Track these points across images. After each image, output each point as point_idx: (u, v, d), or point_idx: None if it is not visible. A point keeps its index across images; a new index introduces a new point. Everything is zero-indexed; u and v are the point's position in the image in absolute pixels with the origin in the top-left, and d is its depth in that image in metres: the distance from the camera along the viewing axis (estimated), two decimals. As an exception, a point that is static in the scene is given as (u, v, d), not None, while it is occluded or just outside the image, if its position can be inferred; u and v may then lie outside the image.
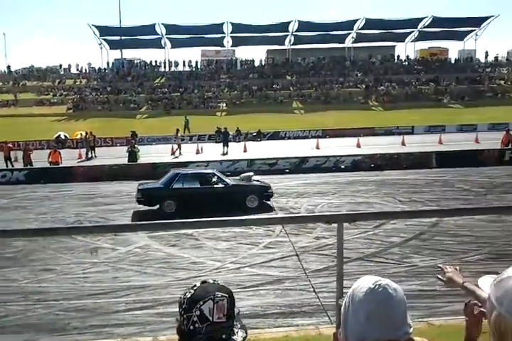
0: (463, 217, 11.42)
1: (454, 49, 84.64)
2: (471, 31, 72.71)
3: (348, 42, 72.53)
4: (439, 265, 2.22)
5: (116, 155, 23.73)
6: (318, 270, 8.71)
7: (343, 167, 21.49)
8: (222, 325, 1.53)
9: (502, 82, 61.62)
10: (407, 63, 69.76)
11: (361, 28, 68.83)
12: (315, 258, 9.39)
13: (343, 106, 52.76)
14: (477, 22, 70.27)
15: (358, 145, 27.89)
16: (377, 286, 1.54)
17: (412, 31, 71.49)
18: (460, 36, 73.44)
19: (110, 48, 72.47)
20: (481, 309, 1.75)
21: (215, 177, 14.57)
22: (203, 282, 1.63)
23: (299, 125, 39.20)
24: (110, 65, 71.74)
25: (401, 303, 1.53)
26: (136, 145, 23.97)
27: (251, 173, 15.78)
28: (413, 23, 69.26)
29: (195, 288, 1.59)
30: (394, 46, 75.61)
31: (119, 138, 34.07)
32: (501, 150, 22.61)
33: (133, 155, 23.08)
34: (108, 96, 58.25)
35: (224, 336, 1.52)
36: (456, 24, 68.96)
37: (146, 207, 14.09)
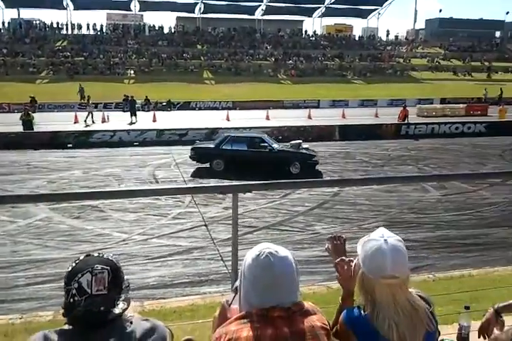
0: (360, 186, 12.17)
1: (358, 26, 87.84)
2: (374, 10, 75.69)
3: (258, 15, 72.45)
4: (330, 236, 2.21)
5: (14, 123, 22.02)
6: (226, 239, 8.85)
7: (256, 138, 21.73)
8: (102, 298, 1.50)
9: (401, 60, 65.07)
10: (314, 38, 71.17)
11: (270, 1, 68.84)
12: (224, 228, 9.53)
13: (253, 79, 52.94)
14: (380, 1, 73.20)
15: (268, 118, 28.27)
16: (261, 254, 1.58)
17: (319, 7, 72.90)
18: (364, 14, 76.23)
19: (6, 7, 66.34)
20: (351, 263, 1.88)
21: (263, 141, 15.27)
22: (87, 255, 1.61)
23: (210, 96, 38.81)
24: (6, 26, 65.67)
25: (287, 272, 1.57)
26: (30, 113, 22.22)
27: (300, 141, 16.15)
28: (320, -2, 70.76)
29: (77, 261, 1.57)
30: (302, 21, 76.90)
31: (17, 104, 31.55)
32: (398, 125, 24.06)
33: (28, 123, 21.40)
34: (4, 59, 53.48)
35: (103, 308, 1.49)
36: (360, 2, 71.53)
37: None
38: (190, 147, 15.87)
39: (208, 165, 15.29)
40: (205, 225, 9.71)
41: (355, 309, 1.70)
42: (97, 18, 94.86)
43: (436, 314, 3.34)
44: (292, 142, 16.01)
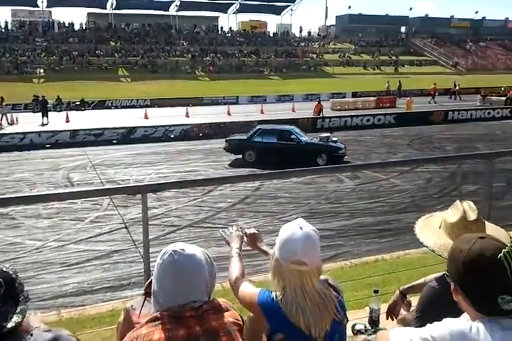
0: (281, 180, 12.44)
1: (272, 23, 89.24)
2: (287, 6, 77.16)
3: (172, 10, 71.36)
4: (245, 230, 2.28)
5: None
6: (148, 240, 8.69)
7: (172, 136, 21.47)
8: None
9: (314, 55, 66.88)
10: (230, 35, 71.33)
11: (185, -4, 68.10)
12: (145, 229, 9.35)
13: (170, 76, 52.11)
14: (292, -3, 74.85)
15: (187, 115, 28.02)
16: (165, 252, 1.58)
17: (234, 3, 73.19)
18: (278, 10, 77.46)
19: None
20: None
21: (291, 134, 16.10)
22: None
23: (126, 94, 37.72)
24: None
25: (193, 270, 1.56)
26: None
27: (328, 134, 16.94)
28: (235, -6, 71.04)
29: None
30: (217, 17, 76.74)
31: None
32: (314, 119, 24.80)
33: None
34: None
35: None
36: (273, -2, 72.69)
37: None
38: (106, 147, 15.37)
39: (240, 156, 16.26)
40: (126, 227, 9.47)
41: (270, 293, 1.73)
42: (0, 15, 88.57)
43: (351, 299, 3.51)
44: (321, 135, 16.73)
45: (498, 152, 6.08)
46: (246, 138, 16.49)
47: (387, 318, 2.50)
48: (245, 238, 2.24)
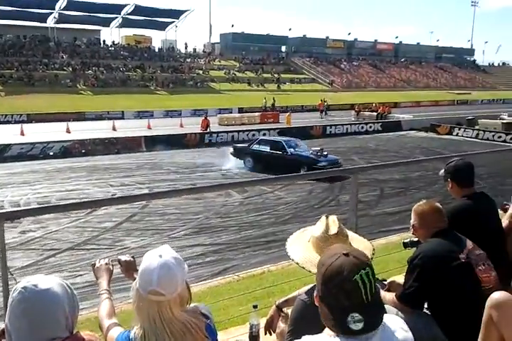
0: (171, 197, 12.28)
1: (157, 38, 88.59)
2: (172, 22, 77.34)
3: (51, 23, 67.91)
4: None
5: None
6: (25, 266, 8.10)
7: (51, 154, 20.24)
8: None
9: (200, 71, 67.53)
10: (113, 49, 69.50)
11: (64, 9, 65.10)
12: (21, 255, 8.68)
13: (49, 89, 49.31)
14: (176, 14, 75.17)
15: (68, 131, 26.65)
16: (16, 289, 1.48)
17: (116, 17, 71.64)
18: (161, 26, 77.29)
19: None
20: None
21: (282, 145, 17.53)
22: None
23: (0, 108, 34.96)
24: None
25: (47, 306, 1.47)
26: None
27: (319, 148, 17.77)
28: (116, 8, 69.60)
29: None
30: (99, 30, 74.46)
31: None
32: (202, 134, 24.95)
33: None
34: None
35: None
36: (157, 14, 72.41)
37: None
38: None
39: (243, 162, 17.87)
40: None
41: (127, 332, 1.67)
42: None
43: (236, 315, 3.54)
44: (314, 148, 17.69)
45: (361, 167, 6.69)
46: (246, 145, 18.54)
47: (265, 333, 2.53)
48: (119, 266, 2.18)
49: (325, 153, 17.37)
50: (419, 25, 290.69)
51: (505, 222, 3.40)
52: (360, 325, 1.38)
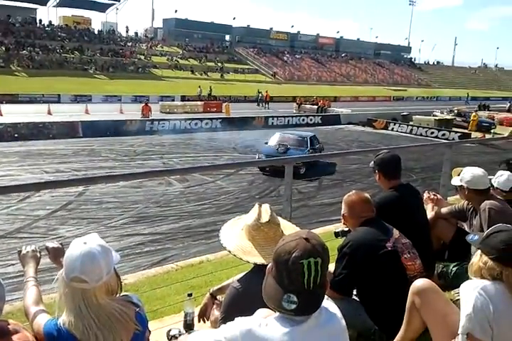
0: (108, 184, 12.02)
1: (97, 20, 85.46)
2: (112, 4, 74.90)
3: (-18, -2, 63.75)
4: None
5: None
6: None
7: (-20, 137, 19.19)
8: None
9: (142, 57, 65.87)
10: (50, 29, 66.25)
11: (-4, -17, 61.37)
12: None
13: (-22, 69, 46.51)
14: (117, -5, 72.72)
15: (0, 113, 25.31)
16: None
17: (54, -5, 68.45)
18: (101, 8, 74.58)
19: None
20: None
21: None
22: None
23: None
24: None
25: None
26: None
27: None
28: (54, -14, 66.39)
29: None
30: (35, 9, 70.65)
31: None
32: (142, 121, 24.46)
33: None
34: None
35: None
36: (97, -5, 69.79)
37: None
38: None
39: None
40: None
41: (54, 320, 1.67)
42: None
43: (173, 303, 3.57)
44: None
45: (294, 157, 6.87)
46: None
47: (199, 321, 2.56)
48: (47, 253, 2.14)
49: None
50: (360, 21, 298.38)
51: (430, 214, 3.63)
52: (292, 306, 1.44)
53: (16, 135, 19.99)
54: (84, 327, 1.61)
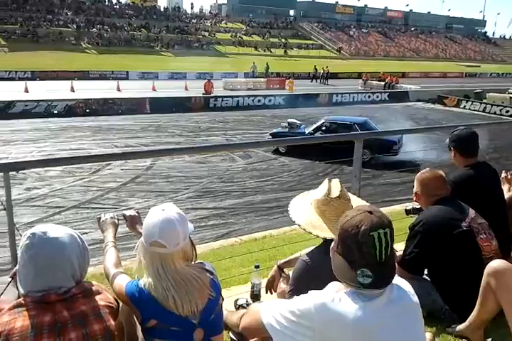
0: (174, 159, 12.36)
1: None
2: (180, -19, 75.31)
3: (55, -23, 66.01)
4: None
5: None
6: (30, 223, 8.23)
7: (55, 112, 20.18)
8: None
9: (207, 33, 66.28)
10: (118, 7, 67.92)
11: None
12: (27, 211, 8.82)
13: (53, 47, 48.56)
14: (185, -28, 72.93)
15: (72, 89, 26.45)
16: (25, 235, 1.53)
17: (122, -27, 69.70)
18: (169, -16, 75.34)
19: None
20: None
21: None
22: None
23: (4, 65, 34.54)
24: None
25: (55, 253, 1.52)
26: None
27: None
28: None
29: None
30: (104, -13, 72.48)
31: None
32: (206, 98, 24.74)
33: None
34: None
35: None
36: (164, -28, 70.24)
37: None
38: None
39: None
40: (4, 209, 8.83)
41: (137, 281, 1.74)
42: None
43: (237, 274, 3.64)
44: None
45: (366, 133, 6.63)
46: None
47: (266, 292, 2.60)
48: (124, 220, 2.24)
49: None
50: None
51: (508, 194, 3.44)
52: (368, 280, 1.45)
53: (87, 110, 20.87)
54: (164, 289, 1.68)
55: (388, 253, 1.46)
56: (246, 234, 7.13)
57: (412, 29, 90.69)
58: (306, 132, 14.64)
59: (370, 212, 1.49)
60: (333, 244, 1.56)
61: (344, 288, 1.51)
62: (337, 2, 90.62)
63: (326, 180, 2.21)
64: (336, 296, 1.48)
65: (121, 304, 1.72)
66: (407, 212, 3.10)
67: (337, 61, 55.63)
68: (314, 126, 15.03)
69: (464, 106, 27.77)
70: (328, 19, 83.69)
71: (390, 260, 1.48)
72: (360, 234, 1.44)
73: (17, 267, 1.57)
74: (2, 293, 1.69)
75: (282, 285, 2.48)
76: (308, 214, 2.16)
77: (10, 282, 1.65)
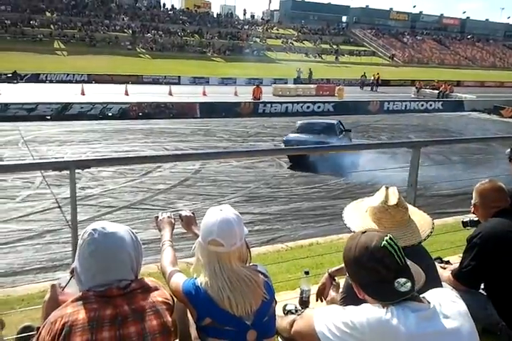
0: (221, 163, 12.50)
1: (216, 3, 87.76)
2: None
3: (113, -17, 68.46)
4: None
5: None
6: (83, 221, 8.50)
7: (110, 114, 20.86)
8: None
9: (258, 39, 66.78)
10: (172, 12, 69.61)
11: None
12: (80, 209, 9.08)
13: (109, 51, 50.31)
14: (238, -21, 73.86)
15: (126, 93, 27.27)
16: (85, 232, 1.58)
17: (178, -20, 71.43)
18: (222, -9, 76.54)
19: None
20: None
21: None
22: None
23: (62, 67, 36.08)
24: None
25: (115, 248, 1.57)
26: None
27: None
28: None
29: None
30: (160, -7, 74.54)
31: None
32: (255, 103, 24.89)
33: None
34: None
35: None
36: (218, -22, 71.45)
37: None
38: (39, 123, 14.63)
39: None
40: (59, 207, 9.19)
41: (194, 280, 1.78)
42: None
43: (285, 280, 3.63)
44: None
45: (425, 141, 6.43)
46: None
47: (316, 300, 2.58)
48: (180, 221, 2.29)
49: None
50: (489, 0, 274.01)
51: None
52: (408, 286, 1.48)
53: (140, 113, 21.45)
54: (219, 288, 1.71)
55: (402, 254, 1.53)
56: (292, 240, 7.10)
57: (469, 37, 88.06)
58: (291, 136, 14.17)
59: (364, 232, 1.57)
60: (355, 288, 1.59)
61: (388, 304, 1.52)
62: (391, 8, 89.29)
63: (383, 188, 2.20)
64: (387, 311, 1.49)
65: (175, 302, 1.75)
66: (464, 224, 3.01)
67: (389, 68, 54.75)
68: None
69: (522, 117, 26.67)
70: (381, 26, 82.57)
71: (405, 259, 1.54)
72: (374, 252, 1.50)
73: (74, 264, 1.62)
74: (66, 286, 1.75)
75: (332, 293, 2.48)
76: (364, 221, 2.15)
77: (72, 276, 1.70)
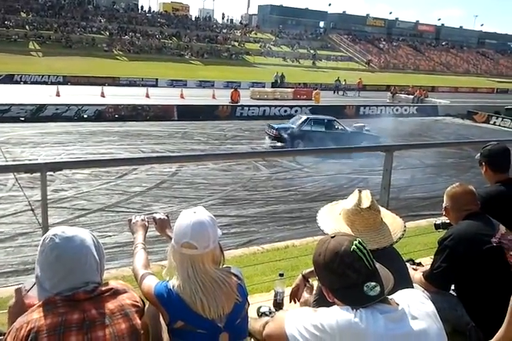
0: (198, 166, 12.45)
1: (194, 6, 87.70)
2: (211, -10, 76.41)
3: (90, -15, 67.80)
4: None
5: None
6: (56, 223, 8.36)
7: (85, 116, 20.57)
8: None
9: (236, 43, 66.88)
10: (150, 15, 69.24)
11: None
12: (54, 212, 8.94)
13: (85, 53, 49.74)
14: (217, -18, 73.98)
15: (102, 95, 26.95)
16: (46, 237, 1.57)
17: (156, -17, 71.17)
18: (201, -6, 76.45)
19: None
20: None
21: (338, 123, 17.17)
22: None
23: (37, 69, 35.46)
24: None
25: (77, 252, 1.55)
26: None
27: (362, 124, 17.79)
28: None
29: None
30: (138, -4, 74.19)
31: None
32: (233, 106, 24.88)
33: None
34: None
35: None
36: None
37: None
38: (12, 124, 14.40)
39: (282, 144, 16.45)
40: (32, 209, 9.01)
41: (167, 283, 1.76)
42: None
43: (260, 282, 3.63)
44: (356, 125, 17.52)
45: (399, 145, 6.55)
46: (295, 127, 17.04)
47: (290, 301, 2.59)
48: (154, 223, 2.26)
49: (367, 128, 17.50)
50: (464, 8, 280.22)
51: None
52: (377, 290, 1.49)
53: (116, 115, 21.22)
54: (192, 291, 1.70)
55: (371, 258, 1.54)
56: (268, 242, 7.11)
57: (443, 43, 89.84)
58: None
59: (333, 237, 1.58)
60: (325, 292, 1.59)
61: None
62: (368, 15, 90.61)
63: (356, 191, 2.21)
64: (357, 313, 1.50)
65: (147, 305, 1.74)
66: (437, 226, 3.06)
67: (366, 73, 55.39)
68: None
69: (494, 122, 27.27)
70: (358, 31, 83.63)
71: (374, 263, 1.55)
72: (344, 256, 1.50)
73: (38, 273, 1.58)
74: (31, 289, 1.71)
75: (306, 295, 2.48)
76: (337, 224, 2.17)
77: (36, 281, 1.66)
